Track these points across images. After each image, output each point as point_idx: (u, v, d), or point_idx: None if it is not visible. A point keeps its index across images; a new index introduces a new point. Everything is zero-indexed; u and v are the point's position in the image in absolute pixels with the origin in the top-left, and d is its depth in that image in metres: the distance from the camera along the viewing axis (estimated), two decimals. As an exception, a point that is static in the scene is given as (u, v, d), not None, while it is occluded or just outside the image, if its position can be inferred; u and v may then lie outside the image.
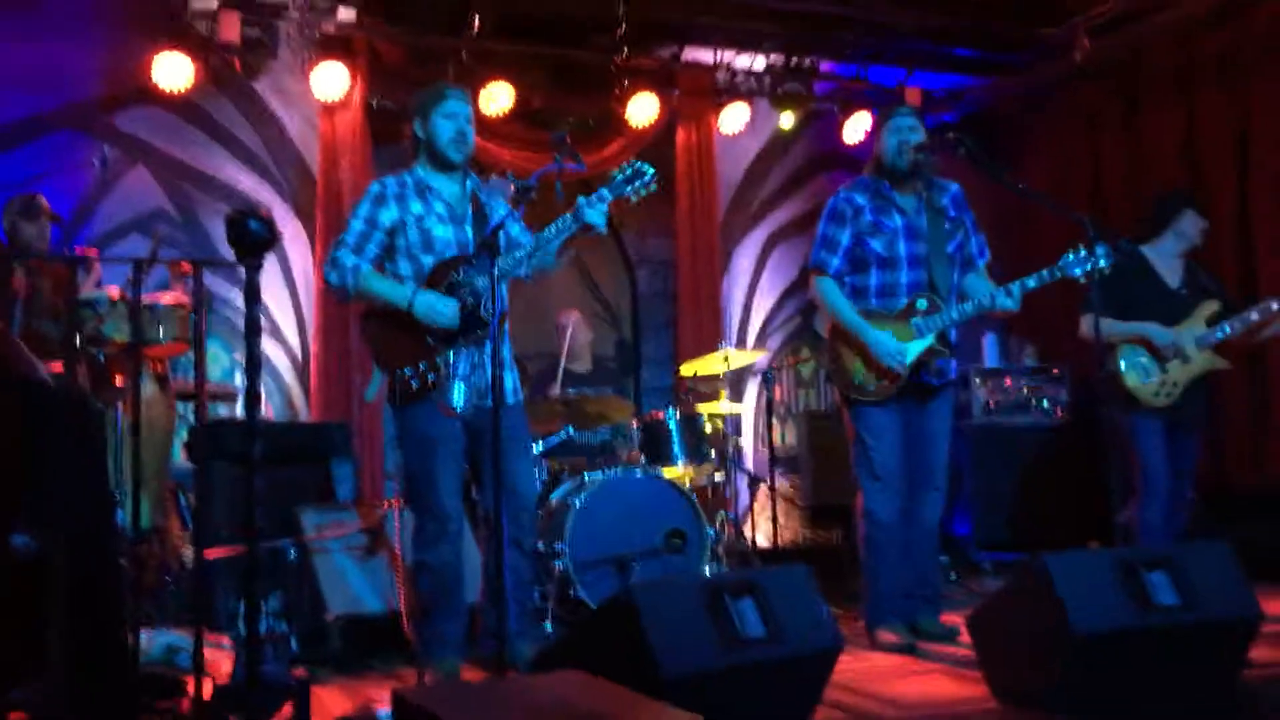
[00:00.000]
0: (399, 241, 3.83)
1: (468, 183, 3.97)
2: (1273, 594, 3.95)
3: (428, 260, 3.82)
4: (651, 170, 3.73)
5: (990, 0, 6.71)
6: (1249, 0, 6.43)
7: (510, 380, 3.92)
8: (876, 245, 4.34)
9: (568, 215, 3.73)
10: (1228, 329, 4.67)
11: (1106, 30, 6.94)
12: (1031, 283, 4.18)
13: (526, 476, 3.97)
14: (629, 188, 3.72)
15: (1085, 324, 4.64)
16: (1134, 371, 4.69)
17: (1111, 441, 4.43)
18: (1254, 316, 4.63)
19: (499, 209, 3.99)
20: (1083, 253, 4.08)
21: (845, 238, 4.38)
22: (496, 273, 3.59)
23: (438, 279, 3.79)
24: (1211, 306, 4.75)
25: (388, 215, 3.85)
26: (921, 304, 4.29)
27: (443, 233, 3.86)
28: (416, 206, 3.85)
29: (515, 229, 3.99)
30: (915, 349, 4.25)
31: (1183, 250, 4.85)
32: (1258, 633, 3.32)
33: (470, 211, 3.93)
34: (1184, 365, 4.68)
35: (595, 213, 3.69)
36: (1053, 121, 7.80)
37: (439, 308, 3.73)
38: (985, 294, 4.24)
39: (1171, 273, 4.83)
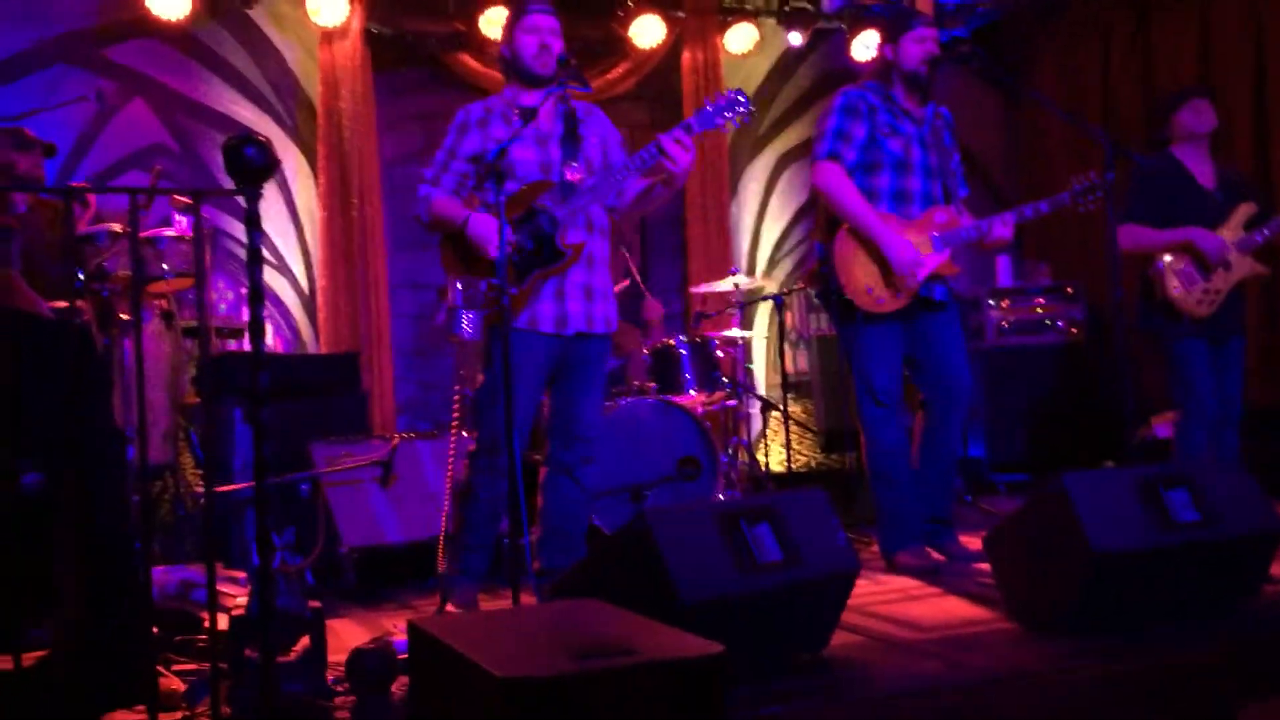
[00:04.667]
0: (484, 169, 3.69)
1: (559, 101, 3.82)
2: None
3: (512, 186, 3.68)
4: (748, 102, 3.61)
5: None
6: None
7: (601, 310, 3.83)
8: (893, 147, 4.17)
9: (650, 146, 3.58)
10: (1267, 232, 4.50)
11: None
12: (1044, 207, 4.12)
13: (593, 408, 3.88)
14: (721, 118, 3.61)
15: (1124, 235, 4.53)
16: (1176, 279, 4.49)
17: (1145, 357, 4.20)
18: None
19: (595, 130, 3.88)
20: (1087, 188, 4.01)
21: (860, 132, 4.18)
22: (574, 201, 3.62)
23: (516, 205, 3.67)
24: (1248, 210, 4.56)
25: (469, 143, 3.76)
26: (940, 217, 4.19)
27: (524, 155, 3.72)
28: (500, 130, 3.72)
29: (616, 155, 3.87)
30: (933, 262, 4.14)
31: (1198, 144, 4.60)
32: (1279, 548, 3.31)
33: (561, 131, 3.80)
34: (1226, 272, 4.49)
35: (675, 144, 3.53)
36: (1064, 35, 7.65)
37: (486, 235, 3.58)
38: (998, 217, 4.16)
39: (1204, 175, 4.61)
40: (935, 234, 4.15)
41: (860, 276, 4.14)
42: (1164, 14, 6.99)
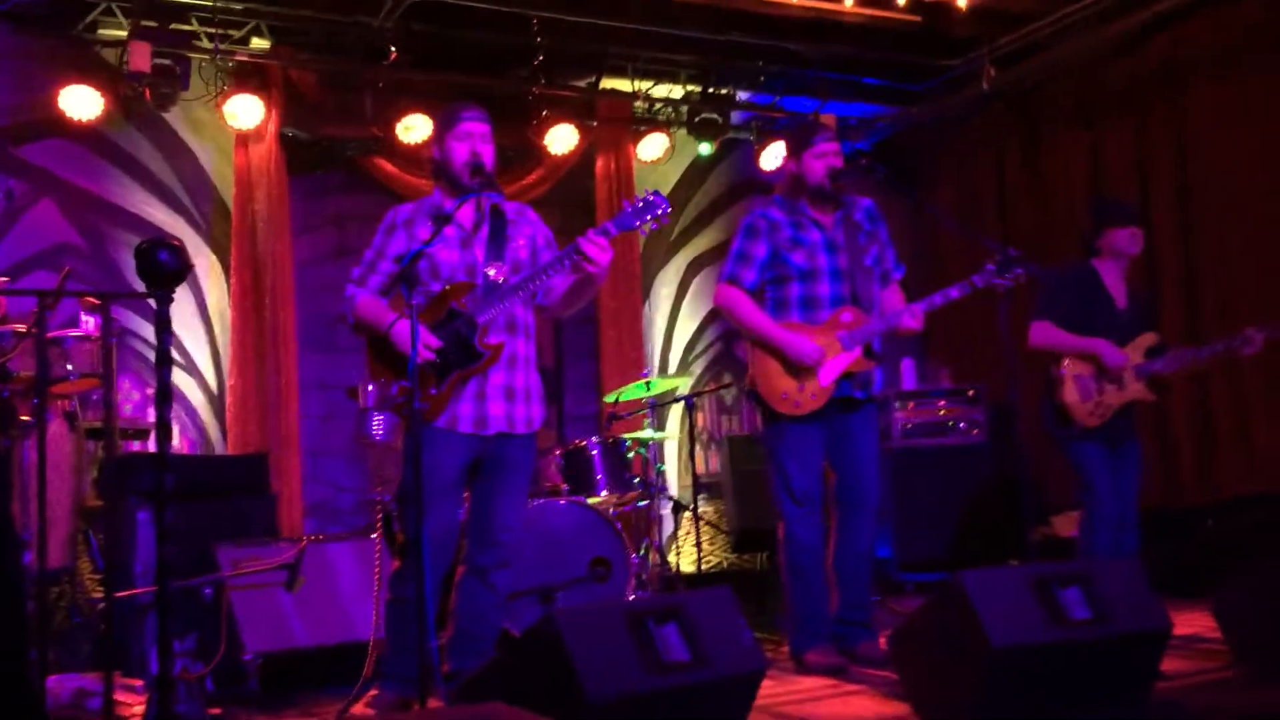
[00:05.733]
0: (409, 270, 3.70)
1: (485, 203, 3.87)
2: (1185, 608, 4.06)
3: (435, 287, 3.74)
4: (666, 204, 3.65)
5: (898, 31, 6.86)
6: (1144, 34, 6.67)
7: (523, 411, 3.84)
8: (797, 260, 4.31)
9: (568, 248, 3.63)
10: (1162, 365, 4.75)
11: (1011, 61, 7.14)
12: (955, 293, 4.25)
13: (512, 511, 3.86)
14: (638, 221, 3.67)
15: (1036, 331, 4.77)
16: (1074, 386, 4.71)
17: (1049, 457, 4.28)
18: (1188, 358, 4.76)
19: (524, 230, 3.92)
20: (1002, 265, 4.17)
21: (761, 252, 4.34)
22: (495, 303, 3.67)
23: (437, 306, 3.71)
24: (1150, 339, 4.82)
25: (396, 244, 3.79)
26: (846, 317, 4.32)
27: (448, 257, 3.76)
28: (425, 232, 3.73)
29: (545, 255, 3.89)
30: (842, 362, 4.25)
31: (1120, 262, 4.85)
32: (1167, 645, 3.41)
33: (487, 234, 3.84)
34: (1119, 390, 4.73)
35: (592, 246, 3.58)
36: (960, 149, 8.01)
37: (408, 340, 3.51)
38: (906, 308, 4.28)
39: (1118, 292, 4.86)
40: (842, 333, 4.28)
41: (776, 383, 4.28)
42: (1054, 133, 7.37)
